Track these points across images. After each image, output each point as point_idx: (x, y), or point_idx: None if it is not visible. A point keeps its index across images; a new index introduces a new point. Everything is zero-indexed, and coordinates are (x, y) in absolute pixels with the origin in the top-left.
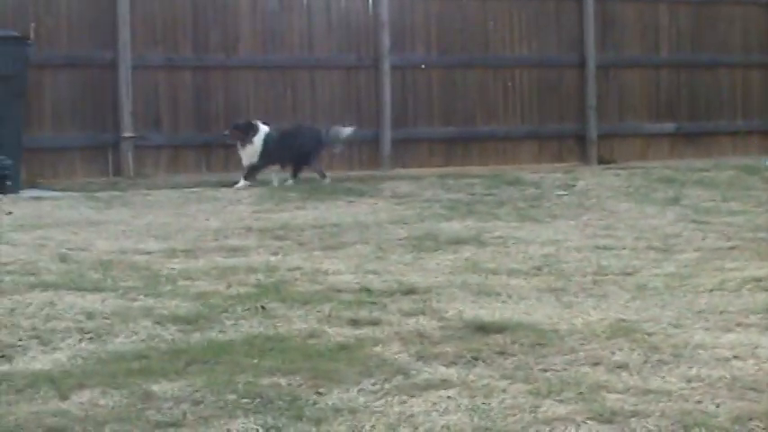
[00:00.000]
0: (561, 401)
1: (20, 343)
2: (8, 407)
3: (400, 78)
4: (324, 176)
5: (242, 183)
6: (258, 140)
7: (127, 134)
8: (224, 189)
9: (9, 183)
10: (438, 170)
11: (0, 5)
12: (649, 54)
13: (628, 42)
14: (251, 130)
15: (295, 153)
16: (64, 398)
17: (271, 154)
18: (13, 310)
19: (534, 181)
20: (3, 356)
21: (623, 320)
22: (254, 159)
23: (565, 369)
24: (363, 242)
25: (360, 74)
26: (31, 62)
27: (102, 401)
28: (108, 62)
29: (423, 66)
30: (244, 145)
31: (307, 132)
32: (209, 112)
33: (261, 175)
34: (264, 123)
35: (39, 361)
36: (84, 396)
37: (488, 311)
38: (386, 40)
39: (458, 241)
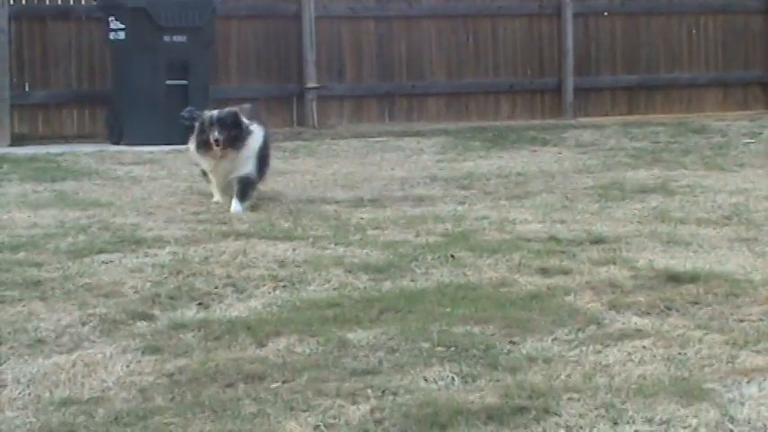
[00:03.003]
0: (758, 352)
1: (215, 291)
2: (207, 353)
3: (583, 26)
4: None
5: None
6: (256, 140)
7: (311, 84)
8: (407, 138)
9: None
10: (621, 118)
11: None
12: None
13: None
14: (241, 126)
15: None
16: (261, 345)
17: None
18: (207, 258)
19: (720, 129)
20: (200, 304)
21: None
22: (249, 169)
23: (761, 319)
24: (549, 191)
25: (542, 22)
26: (217, 14)
27: (298, 349)
28: (292, 13)
29: (605, 13)
30: (236, 147)
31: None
32: (391, 62)
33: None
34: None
35: (235, 308)
36: (281, 343)
37: (679, 261)
38: None
39: (644, 190)
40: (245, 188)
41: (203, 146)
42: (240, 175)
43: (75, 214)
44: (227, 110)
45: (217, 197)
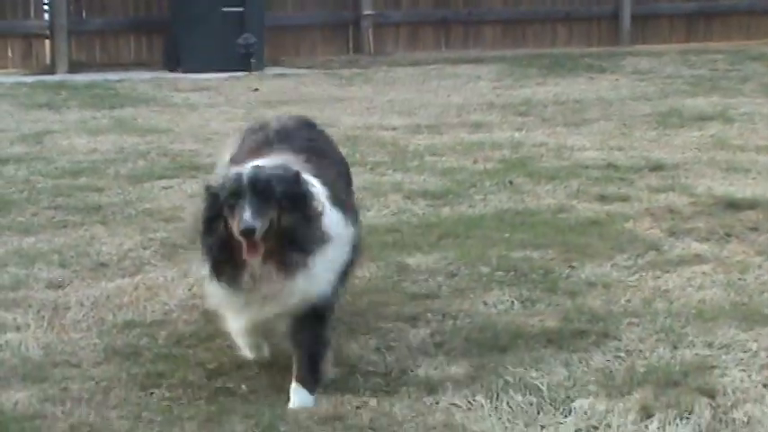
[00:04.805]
0: None
1: None
2: None
3: None
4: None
5: None
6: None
7: (367, 11)
8: (463, 65)
9: (254, 60)
10: (678, 46)
11: None
12: None
13: None
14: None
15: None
16: None
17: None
18: None
19: None
20: None
21: None
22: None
23: None
24: (606, 118)
25: None
26: None
27: (358, 272)
28: None
29: None
30: (296, 263)
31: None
32: None
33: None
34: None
35: None
36: None
37: (738, 188)
38: None
39: (702, 117)
40: (317, 356)
41: (224, 260)
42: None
43: (133, 140)
44: (275, 167)
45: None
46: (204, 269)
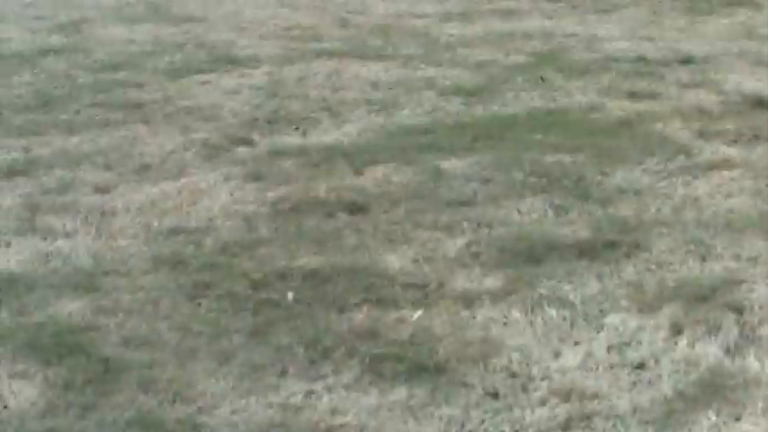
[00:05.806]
0: None
1: (312, 115)
2: (307, 181)
3: None
4: None
5: None
6: None
7: None
8: None
9: None
10: None
11: None
12: None
13: None
14: None
15: None
16: (358, 173)
17: None
18: (301, 79)
19: None
20: (297, 129)
21: None
22: None
23: None
24: (636, 4)
25: None
26: None
27: (395, 178)
28: None
29: None
30: None
31: None
32: None
33: None
34: None
35: (331, 134)
36: (378, 171)
37: (767, 84)
38: None
39: (731, 3)
40: None
41: None
42: None
43: (170, 30)
44: None
45: None
46: None
